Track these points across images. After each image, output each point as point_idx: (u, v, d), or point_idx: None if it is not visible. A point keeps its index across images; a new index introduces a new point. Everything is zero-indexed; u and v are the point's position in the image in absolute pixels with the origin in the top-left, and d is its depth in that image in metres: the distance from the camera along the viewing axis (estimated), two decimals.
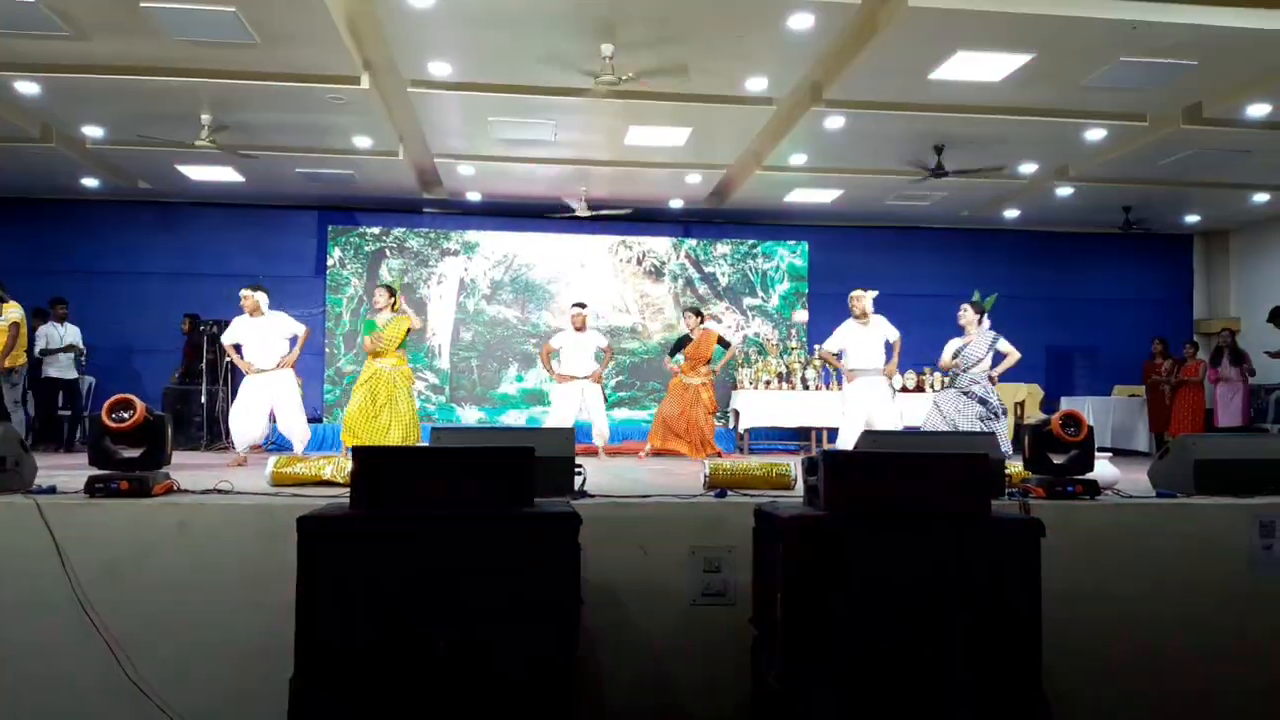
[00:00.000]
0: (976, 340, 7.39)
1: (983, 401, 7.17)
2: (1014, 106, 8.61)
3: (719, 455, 9.16)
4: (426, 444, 5.61)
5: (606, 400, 9.88)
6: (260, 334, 7.83)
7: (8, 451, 4.08)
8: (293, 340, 7.93)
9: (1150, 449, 11.42)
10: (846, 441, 8.08)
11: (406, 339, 7.95)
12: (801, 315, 12.98)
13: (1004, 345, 7.44)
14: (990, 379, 7.34)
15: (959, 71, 7.69)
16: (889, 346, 8.12)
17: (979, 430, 6.98)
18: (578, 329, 9.27)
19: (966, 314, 7.50)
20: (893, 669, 3.06)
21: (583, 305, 9.51)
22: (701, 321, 9.54)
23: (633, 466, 7.92)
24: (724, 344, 9.73)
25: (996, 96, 8.33)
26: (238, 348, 7.93)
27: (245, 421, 7.76)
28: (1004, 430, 7.28)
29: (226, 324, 8.17)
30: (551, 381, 9.41)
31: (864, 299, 8.15)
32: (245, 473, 6.20)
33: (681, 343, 9.61)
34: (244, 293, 7.88)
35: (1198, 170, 10.37)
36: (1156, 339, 12.13)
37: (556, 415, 9.17)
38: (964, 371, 7.34)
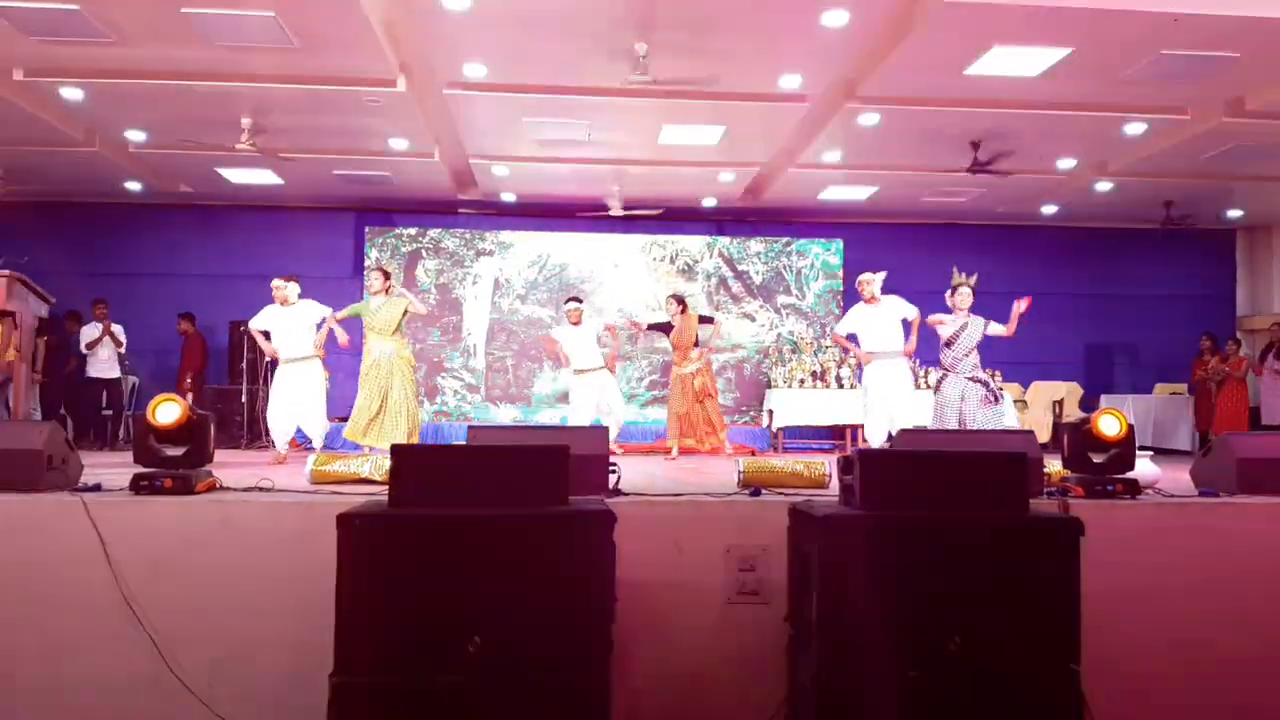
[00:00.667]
0: (973, 325, 7.21)
1: (985, 384, 7.09)
2: (1052, 101, 8.50)
3: (725, 446, 9.03)
4: (463, 442, 5.59)
5: (623, 395, 9.77)
6: (290, 323, 7.92)
7: (54, 449, 4.17)
8: (320, 323, 8.00)
9: (1194, 448, 11.25)
10: (873, 427, 7.95)
11: (404, 322, 7.94)
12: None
13: (995, 328, 7.27)
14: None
15: (995, 67, 7.61)
16: (907, 325, 7.93)
17: (986, 413, 6.96)
18: (574, 324, 9.06)
19: (970, 297, 7.28)
20: (928, 668, 3.05)
21: (578, 300, 9.33)
22: (684, 310, 9.30)
23: (666, 464, 7.93)
24: (706, 320, 9.55)
25: (1034, 91, 8.23)
26: (266, 335, 8.03)
27: (280, 415, 7.90)
28: (1012, 414, 7.16)
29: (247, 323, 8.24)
30: (572, 374, 9.21)
31: (872, 283, 7.98)
32: (285, 471, 6.28)
33: (663, 328, 9.39)
34: (276, 283, 7.99)
35: (1240, 164, 10.20)
36: (1205, 335, 11.95)
37: (576, 409, 9.05)
38: (964, 357, 7.16)
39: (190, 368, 11.50)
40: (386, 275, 8.08)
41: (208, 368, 11.80)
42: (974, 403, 7.02)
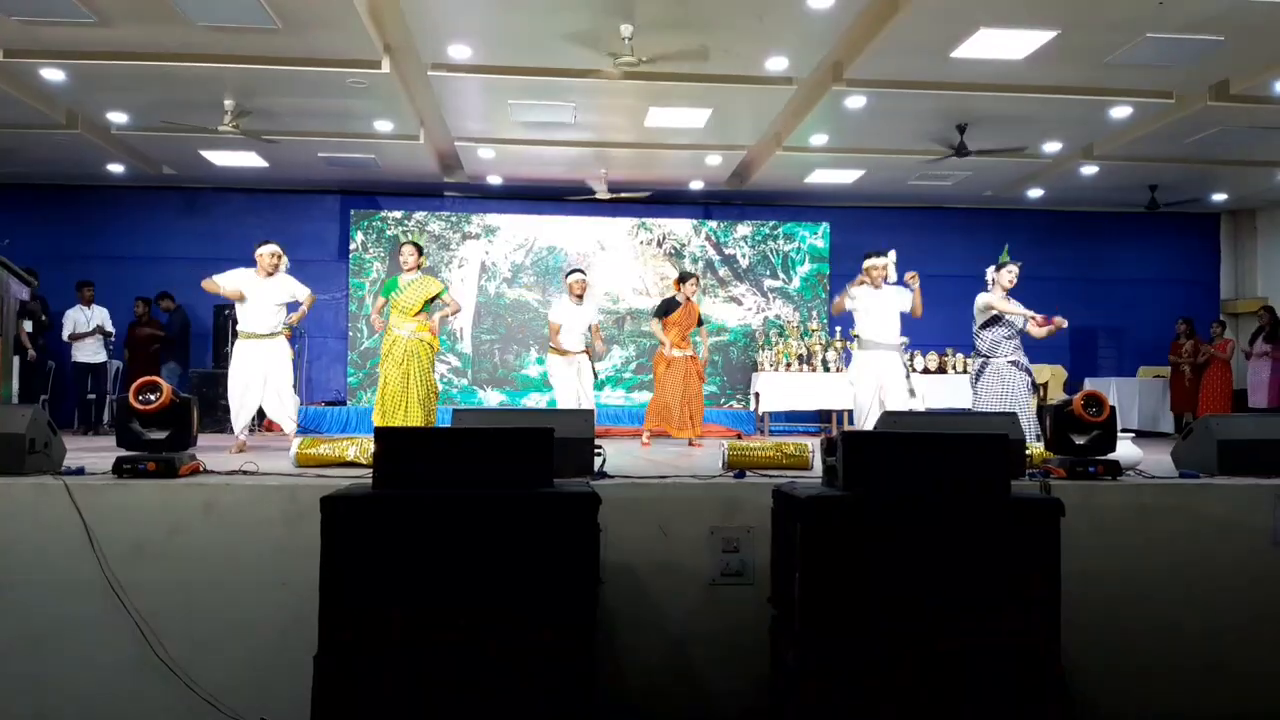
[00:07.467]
0: (1014, 305, 6.77)
1: (1027, 370, 6.72)
2: (1038, 84, 8.51)
3: (700, 438, 8.74)
4: (448, 425, 5.52)
5: (597, 379, 9.22)
6: (265, 295, 7.20)
7: (37, 433, 4.15)
8: (292, 306, 7.39)
9: (1176, 430, 11.33)
10: (860, 419, 7.28)
11: (431, 305, 7.39)
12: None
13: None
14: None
15: (981, 49, 7.60)
16: (904, 317, 7.30)
17: (1027, 401, 6.63)
18: (577, 296, 8.61)
19: (1015, 271, 6.79)
20: (911, 649, 3.07)
21: (583, 271, 8.92)
22: (693, 290, 8.89)
23: (652, 449, 7.94)
24: (701, 322, 9.04)
25: (1020, 74, 8.23)
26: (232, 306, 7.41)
27: (243, 396, 7.16)
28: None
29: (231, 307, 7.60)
30: (552, 353, 8.73)
31: (886, 268, 7.22)
32: (269, 454, 6.26)
33: (668, 307, 8.87)
34: (273, 250, 7.25)
35: (1225, 148, 10.23)
36: (1181, 319, 12.02)
37: (562, 391, 8.65)
38: (1007, 339, 6.71)
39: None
40: (419, 251, 7.52)
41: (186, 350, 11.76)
42: (1022, 388, 6.58)
